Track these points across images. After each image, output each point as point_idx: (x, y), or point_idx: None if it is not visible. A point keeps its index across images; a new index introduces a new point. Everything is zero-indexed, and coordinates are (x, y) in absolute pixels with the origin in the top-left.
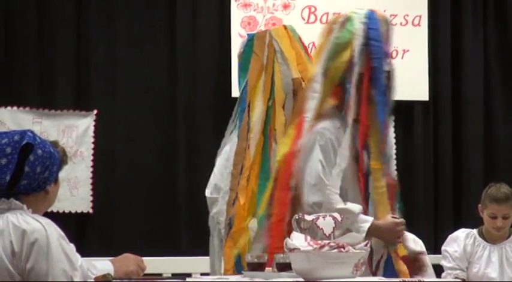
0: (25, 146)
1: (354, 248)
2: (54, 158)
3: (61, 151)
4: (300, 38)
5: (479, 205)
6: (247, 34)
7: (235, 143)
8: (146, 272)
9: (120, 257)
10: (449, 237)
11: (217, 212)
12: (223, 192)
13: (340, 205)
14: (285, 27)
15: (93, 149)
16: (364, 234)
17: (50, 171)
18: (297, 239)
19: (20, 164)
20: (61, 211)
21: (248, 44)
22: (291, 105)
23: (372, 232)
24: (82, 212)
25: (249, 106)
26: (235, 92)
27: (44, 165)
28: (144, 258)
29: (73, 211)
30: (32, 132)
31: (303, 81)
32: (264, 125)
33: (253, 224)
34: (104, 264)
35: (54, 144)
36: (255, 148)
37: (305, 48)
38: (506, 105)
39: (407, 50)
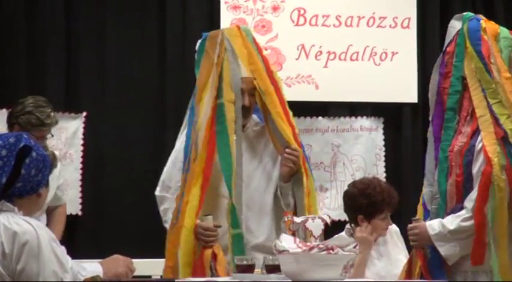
0: (22, 149)
1: (343, 250)
2: (47, 161)
3: (51, 155)
4: (254, 39)
5: None
6: (202, 33)
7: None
8: (135, 273)
9: (109, 258)
10: None
11: (163, 209)
12: (173, 189)
13: None
14: (238, 27)
15: (83, 151)
16: None
17: (43, 174)
18: (286, 241)
19: (17, 166)
20: None
21: (202, 43)
22: (240, 104)
23: None
24: (71, 214)
25: (198, 104)
26: None
27: (37, 168)
28: (134, 260)
29: None
30: (27, 134)
31: (255, 79)
32: (212, 122)
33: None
34: (93, 266)
35: (44, 147)
36: (201, 145)
37: (259, 50)
38: None
39: (397, 52)
